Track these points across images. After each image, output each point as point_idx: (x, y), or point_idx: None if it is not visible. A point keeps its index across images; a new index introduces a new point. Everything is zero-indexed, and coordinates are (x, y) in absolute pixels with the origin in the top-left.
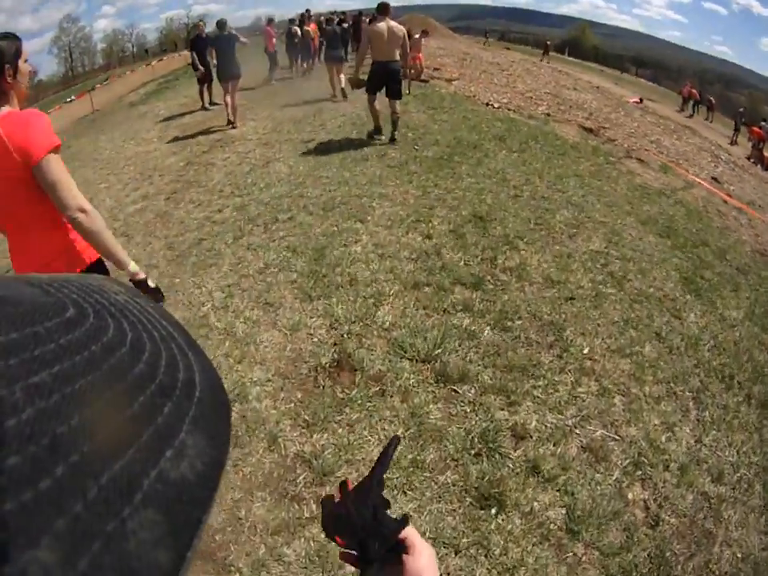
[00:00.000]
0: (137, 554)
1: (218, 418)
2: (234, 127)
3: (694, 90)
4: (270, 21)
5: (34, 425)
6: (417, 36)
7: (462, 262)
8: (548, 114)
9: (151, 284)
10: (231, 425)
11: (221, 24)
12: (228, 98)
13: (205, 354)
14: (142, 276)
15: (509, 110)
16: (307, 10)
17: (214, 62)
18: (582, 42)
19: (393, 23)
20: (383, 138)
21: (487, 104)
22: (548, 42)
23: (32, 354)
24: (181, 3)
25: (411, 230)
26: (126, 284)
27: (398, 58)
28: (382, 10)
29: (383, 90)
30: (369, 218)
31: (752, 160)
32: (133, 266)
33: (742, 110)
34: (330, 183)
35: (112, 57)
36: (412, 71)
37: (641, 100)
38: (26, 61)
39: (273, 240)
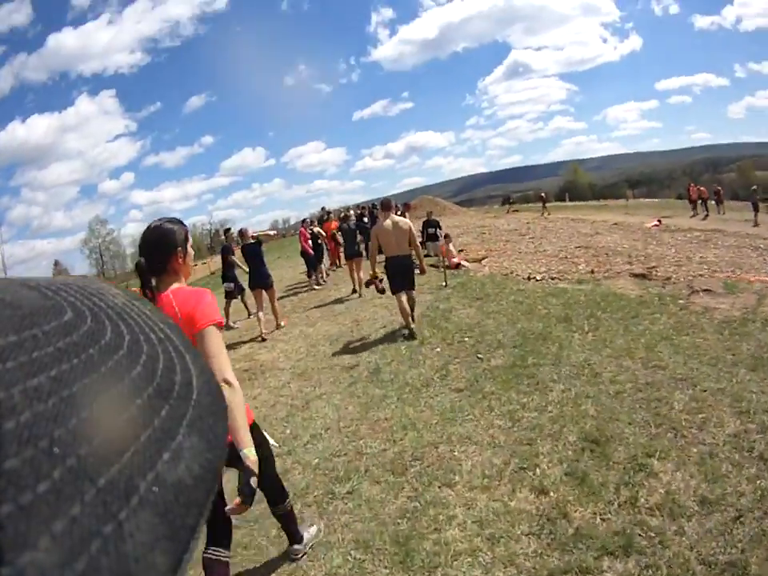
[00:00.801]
0: (134, 556)
1: (214, 421)
2: (263, 339)
3: (702, 189)
4: (304, 221)
5: (32, 428)
6: (443, 237)
7: (598, 518)
8: (592, 272)
9: (253, 484)
10: (227, 427)
11: (241, 233)
12: (260, 313)
13: (202, 357)
14: (252, 467)
15: (552, 279)
16: (323, 208)
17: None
18: (577, 183)
19: (397, 218)
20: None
21: (529, 278)
22: (542, 195)
23: (30, 357)
24: (203, 209)
25: (517, 486)
26: (125, 288)
27: (408, 251)
28: (386, 207)
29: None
30: (456, 477)
31: None
32: (249, 451)
33: (755, 188)
34: (392, 428)
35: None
36: (445, 263)
37: (659, 221)
38: (190, 245)
39: (333, 530)
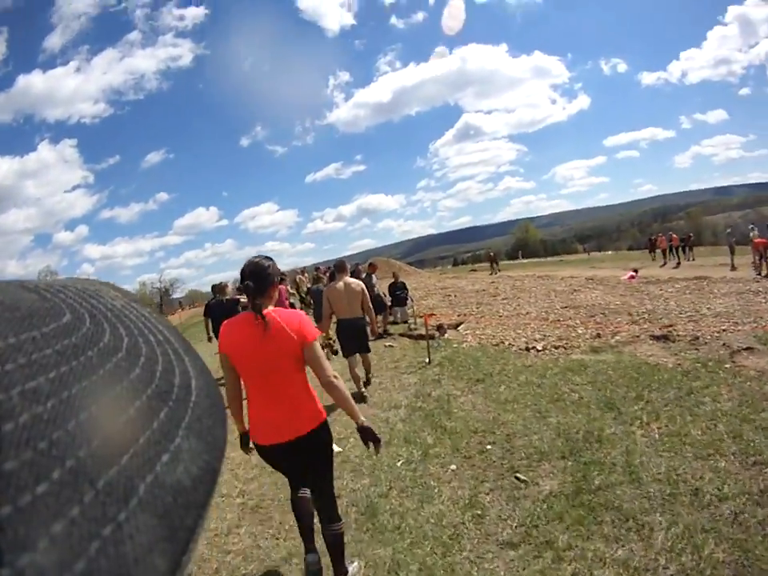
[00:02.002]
0: (133, 557)
1: (213, 423)
2: None
3: (673, 236)
4: (283, 278)
5: (31, 429)
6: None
7: None
8: (599, 336)
9: (378, 434)
10: (227, 429)
11: (220, 288)
12: None
13: (201, 359)
14: (368, 424)
15: (556, 348)
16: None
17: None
18: (528, 240)
19: (349, 279)
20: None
21: (528, 348)
22: (491, 254)
23: (29, 359)
24: (155, 267)
25: None
26: (123, 289)
27: (360, 314)
28: (340, 269)
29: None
30: None
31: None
32: (362, 419)
33: (729, 230)
34: None
35: None
36: (428, 332)
37: (635, 272)
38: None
39: None
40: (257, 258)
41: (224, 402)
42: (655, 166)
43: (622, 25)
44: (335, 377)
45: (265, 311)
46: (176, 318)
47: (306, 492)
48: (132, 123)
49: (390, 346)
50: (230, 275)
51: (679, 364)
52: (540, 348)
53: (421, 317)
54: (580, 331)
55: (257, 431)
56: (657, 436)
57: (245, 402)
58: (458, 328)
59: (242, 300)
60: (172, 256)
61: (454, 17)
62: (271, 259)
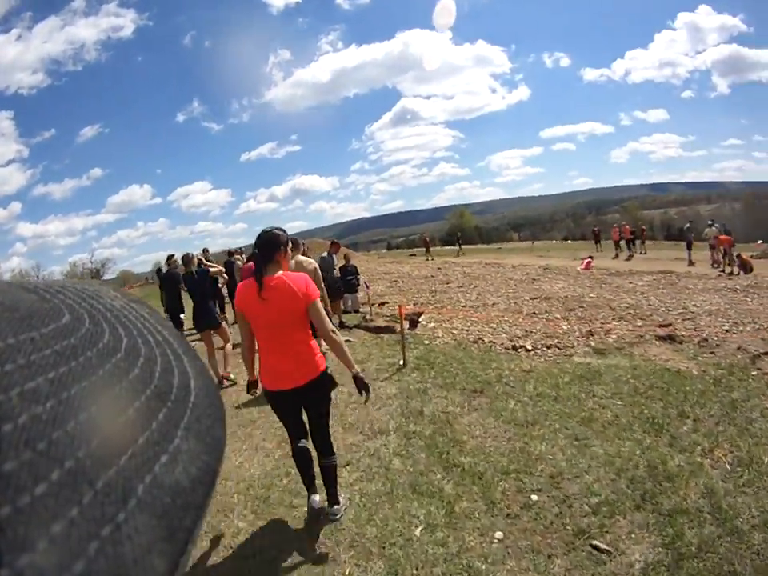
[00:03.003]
0: (132, 558)
1: (212, 424)
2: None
3: (625, 227)
4: (250, 255)
5: (30, 430)
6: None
7: None
8: (591, 334)
9: (366, 381)
10: (225, 430)
11: (186, 260)
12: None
13: (200, 359)
14: (362, 375)
15: (548, 348)
16: (205, 250)
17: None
18: (463, 227)
19: (302, 258)
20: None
21: (515, 348)
22: (426, 238)
23: (28, 360)
24: (87, 246)
25: None
26: (122, 290)
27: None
28: (293, 245)
29: None
30: None
31: (732, 271)
32: (356, 369)
33: (688, 225)
34: None
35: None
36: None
37: (590, 261)
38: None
39: None
40: (268, 229)
41: (223, 402)
42: (591, 160)
43: (569, 20)
44: (333, 331)
45: (275, 276)
46: None
47: (306, 443)
48: (69, 95)
49: (347, 340)
50: (162, 256)
51: (704, 371)
52: (529, 347)
53: (374, 305)
54: (565, 327)
55: (266, 378)
56: (728, 467)
57: (257, 355)
58: (420, 320)
59: (212, 269)
60: (104, 235)
61: (444, 12)
62: (281, 230)
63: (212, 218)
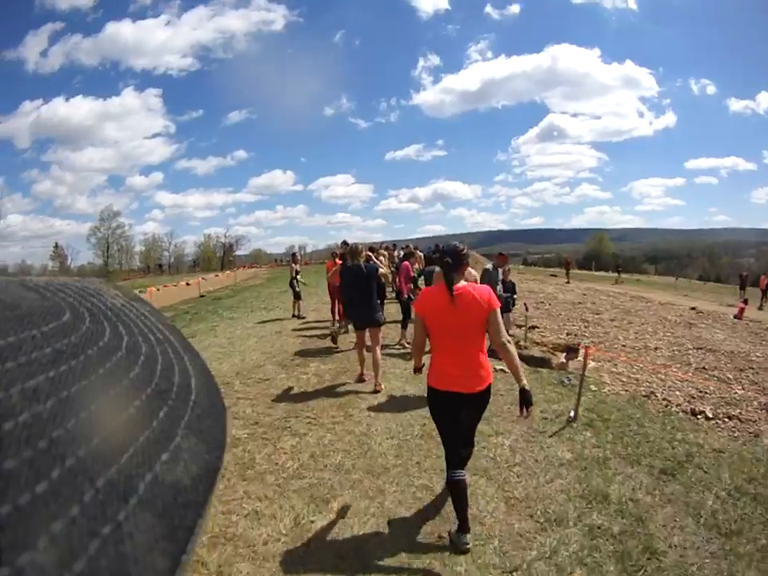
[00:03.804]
0: (133, 556)
1: (213, 422)
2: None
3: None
4: (408, 253)
5: (31, 428)
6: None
7: None
8: None
9: (530, 401)
10: (226, 428)
11: (352, 251)
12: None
13: (201, 358)
14: (528, 388)
15: (729, 418)
16: (344, 242)
17: None
18: (601, 252)
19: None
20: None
21: (694, 413)
22: (568, 259)
23: (29, 358)
24: (223, 222)
25: None
26: (123, 288)
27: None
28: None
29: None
30: None
31: None
32: (524, 382)
33: None
34: None
35: (149, 261)
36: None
37: (743, 309)
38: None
39: None
40: (455, 243)
41: (224, 400)
42: (732, 197)
43: (716, 46)
44: (509, 341)
45: (460, 285)
46: (230, 278)
47: (463, 475)
48: (218, 80)
49: (501, 370)
50: (297, 240)
51: None
52: (710, 415)
53: (524, 328)
54: (740, 392)
55: (438, 380)
56: None
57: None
58: (579, 357)
59: (381, 270)
60: (243, 213)
61: None
62: (466, 245)
63: (351, 211)
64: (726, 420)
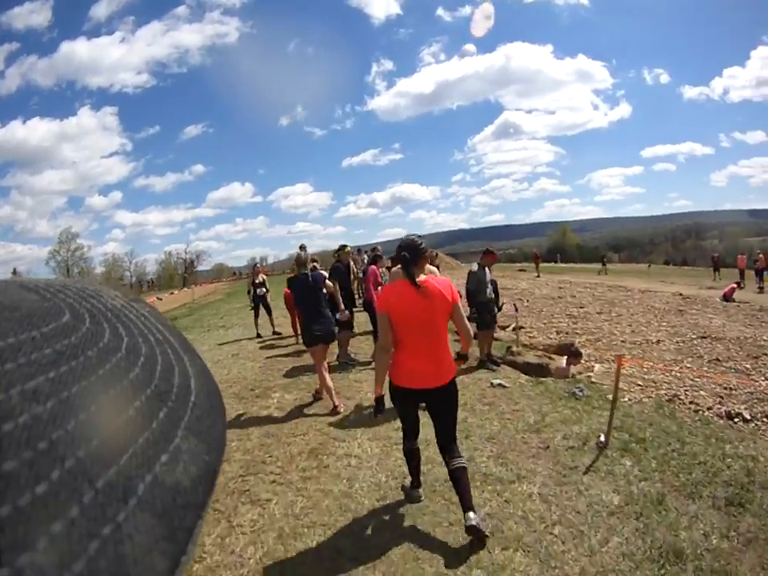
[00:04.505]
0: (132, 557)
1: (212, 423)
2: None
3: (761, 256)
4: (375, 256)
5: (31, 429)
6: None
7: None
8: None
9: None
10: (226, 429)
11: (298, 260)
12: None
13: (201, 359)
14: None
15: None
16: (302, 246)
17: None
18: (565, 245)
19: (432, 267)
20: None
21: (730, 416)
22: (537, 253)
23: (28, 359)
24: (184, 238)
25: None
26: (123, 289)
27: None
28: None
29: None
30: None
31: None
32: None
33: None
34: None
35: (110, 282)
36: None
37: (737, 285)
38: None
39: None
40: (411, 236)
41: (223, 402)
42: (691, 182)
43: (667, 36)
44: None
45: (422, 279)
46: (188, 295)
47: (416, 444)
48: (173, 95)
49: (499, 385)
50: (258, 252)
51: None
52: (747, 416)
53: (511, 329)
54: (764, 383)
55: (404, 378)
56: None
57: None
58: (582, 360)
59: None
60: (203, 228)
61: (480, 22)
62: (422, 238)
63: (311, 220)
64: (766, 420)
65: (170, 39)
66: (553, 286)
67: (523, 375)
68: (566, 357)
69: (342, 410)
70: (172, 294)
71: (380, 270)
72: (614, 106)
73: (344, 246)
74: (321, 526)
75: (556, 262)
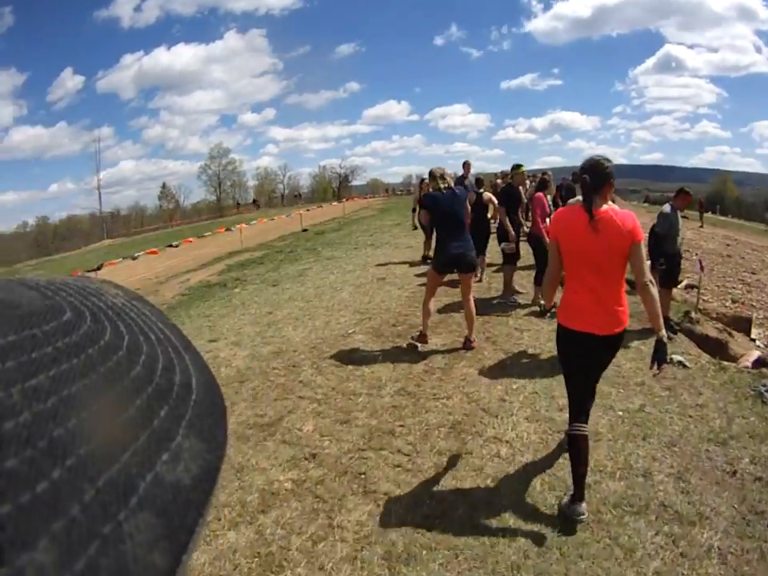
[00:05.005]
0: (133, 556)
1: (213, 422)
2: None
3: None
4: (542, 181)
5: (31, 428)
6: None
7: None
8: None
9: (665, 355)
10: (227, 428)
11: (436, 174)
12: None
13: (201, 357)
14: (666, 340)
15: None
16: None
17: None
18: (724, 196)
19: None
20: None
21: None
22: (702, 201)
23: (29, 357)
24: (340, 153)
25: None
26: (124, 287)
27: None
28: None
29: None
30: None
31: None
32: (662, 332)
33: None
34: None
35: (263, 194)
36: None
37: None
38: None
39: None
40: (598, 157)
41: (224, 400)
42: None
43: None
44: (651, 281)
45: (602, 209)
46: (339, 208)
47: (586, 430)
48: (323, 16)
49: (680, 363)
50: (414, 170)
51: None
52: None
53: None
54: None
55: (571, 317)
56: None
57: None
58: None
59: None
60: (359, 144)
61: None
62: (611, 161)
63: (469, 140)
64: None
65: None
66: (719, 241)
67: (704, 354)
68: (756, 351)
69: (429, 340)
70: (320, 207)
71: (547, 198)
72: None
73: (519, 166)
74: (445, 549)
75: (714, 212)
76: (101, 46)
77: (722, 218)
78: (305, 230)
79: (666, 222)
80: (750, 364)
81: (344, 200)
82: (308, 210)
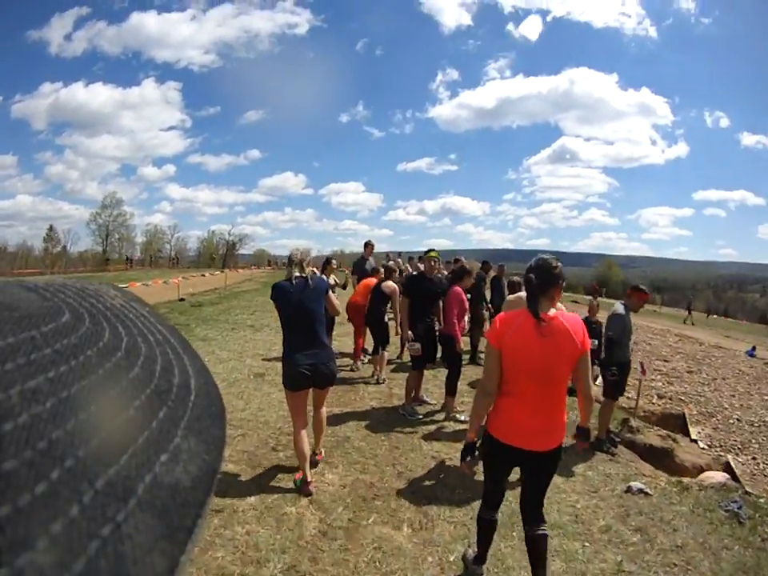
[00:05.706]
0: (132, 557)
1: (212, 423)
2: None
3: None
4: (460, 270)
5: (30, 429)
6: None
7: None
8: None
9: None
10: (226, 429)
11: (293, 259)
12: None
13: (200, 358)
14: (588, 429)
15: None
16: (368, 243)
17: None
18: (609, 279)
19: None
20: None
21: None
22: (596, 287)
23: (28, 359)
24: (232, 219)
25: None
26: (123, 289)
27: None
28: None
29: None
30: None
31: None
32: (588, 424)
33: None
34: None
35: (150, 252)
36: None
37: None
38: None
39: None
40: (546, 257)
41: (222, 401)
42: (739, 231)
43: (732, 79)
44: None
45: (550, 313)
46: (221, 278)
47: (497, 515)
48: (238, 78)
49: (640, 491)
50: (302, 244)
51: None
52: None
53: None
54: None
55: (508, 432)
56: None
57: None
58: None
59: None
60: (252, 212)
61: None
62: (560, 261)
63: (359, 219)
64: None
65: (240, 23)
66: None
67: (658, 472)
68: (719, 474)
69: (320, 458)
70: (203, 276)
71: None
72: (671, 144)
73: (430, 251)
74: None
75: (601, 296)
76: (25, 68)
77: (609, 300)
78: (181, 300)
79: (619, 325)
80: (720, 479)
81: (226, 270)
82: (186, 279)
